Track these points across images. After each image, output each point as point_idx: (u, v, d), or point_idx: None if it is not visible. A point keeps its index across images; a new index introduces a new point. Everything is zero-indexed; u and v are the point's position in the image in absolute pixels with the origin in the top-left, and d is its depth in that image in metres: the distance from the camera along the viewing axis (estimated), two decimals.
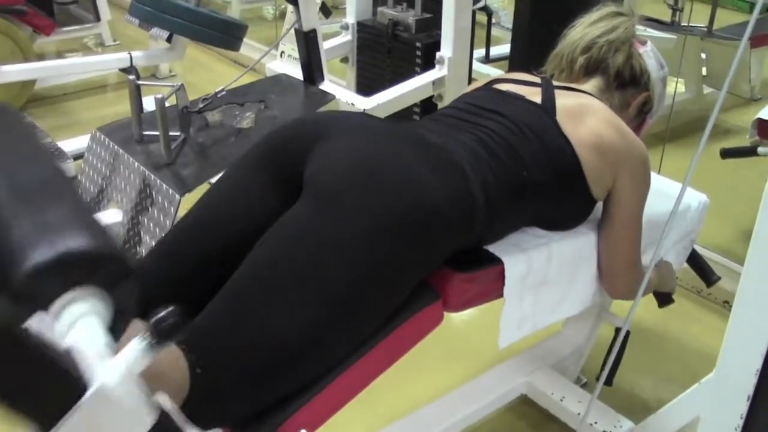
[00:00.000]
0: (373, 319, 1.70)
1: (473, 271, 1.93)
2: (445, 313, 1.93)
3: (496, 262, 1.95)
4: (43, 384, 1.14)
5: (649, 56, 2.29)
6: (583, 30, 2.31)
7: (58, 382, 1.14)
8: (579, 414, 2.48)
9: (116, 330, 1.22)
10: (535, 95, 2.12)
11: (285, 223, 1.67)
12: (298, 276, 1.59)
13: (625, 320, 2.04)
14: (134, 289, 1.26)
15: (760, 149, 3.46)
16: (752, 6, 1.66)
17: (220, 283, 1.64)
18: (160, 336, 1.17)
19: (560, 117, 2.04)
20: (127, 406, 1.18)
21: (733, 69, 1.70)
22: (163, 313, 1.16)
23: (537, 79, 2.22)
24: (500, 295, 1.97)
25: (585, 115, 2.05)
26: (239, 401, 1.56)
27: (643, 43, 2.30)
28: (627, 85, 2.28)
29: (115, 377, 1.15)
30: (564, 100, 2.09)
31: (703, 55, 5.22)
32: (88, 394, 1.13)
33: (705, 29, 5.12)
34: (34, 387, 1.14)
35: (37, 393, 1.15)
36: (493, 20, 5.87)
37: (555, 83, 2.19)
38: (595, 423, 2.46)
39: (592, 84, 2.27)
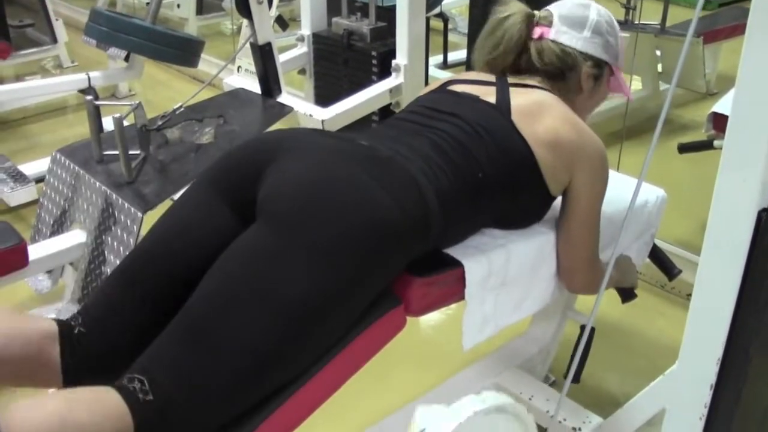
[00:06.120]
0: (329, 336, 1.72)
1: (434, 274, 1.94)
2: (413, 319, 1.94)
3: (456, 265, 1.96)
4: None
5: (561, 33, 2.19)
6: (484, 42, 2.25)
7: None
8: (548, 412, 2.49)
9: None
10: (489, 95, 2.11)
11: (237, 249, 1.69)
12: (250, 299, 1.60)
13: (590, 317, 2.06)
14: None
15: (716, 142, 3.50)
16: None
17: (179, 308, 1.65)
18: None
19: (515, 116, 2.04)
20: None
21: (680, 66, 1.72)
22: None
23: (491, 78, 2.20)
24: (461, 297, 1.98)
25: (542, 114, 2.05)
26: (197, 422, 1.57)
27: (549, 24, 2.20)
28: (564, 73, 2.22)
29: None
30: (519, 99, 2.08)
31: (658, 52, 5.26)
32: None
33: (658, 26, 5.18)
34: None
35: None
36: (450, 26, 5.89)
37: (509, 81, 2.18)
38: (564, 420, 2.48)
39: (540, 80, 2.21)
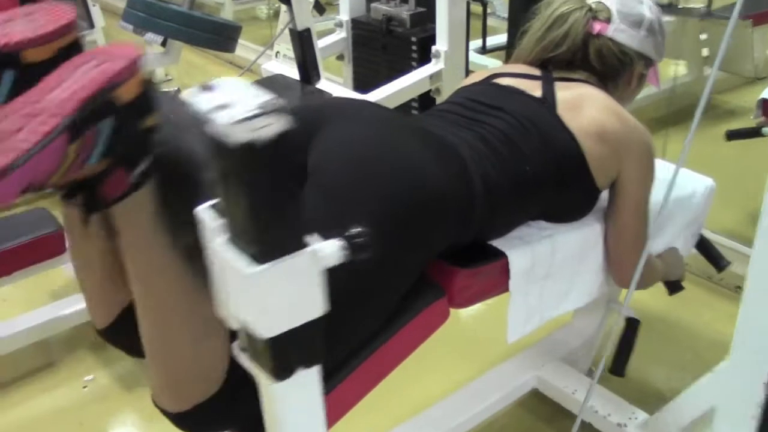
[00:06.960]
0: (378, 310, 1.70)
1: (477, 266, 1.92)
2: (453, 310, 1.92)
3: (500, 256, 1.94)
4: None
5: (620, 31, 2.15)
6: (541, 37, 2.21)
7: None
8: (592, 406, 2.45)
9: None
10: (535, 89, 2.09)
11: None
12: None
13: (622, 307, 2.01)
14: None
15: (765, 129, 3.42)
16: None
17: None
18: (353, 250, 1.25)
19: (561, 110, 2.02)
20: None
21: (722, 49, 1.65)
22: (355, 231, 1.26)
23: (537, 72, 2.17)
24: (505, 289, 1.96)
25: (585, 106, 2.02)
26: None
27: (607, 19, 2.15)
28: (618, 73, 2.20)
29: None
30: (564, 93, 2.06)
31: (704, 36, 5.18)
32: None
33: (704, 10, 5.09)
34: None
35: None
36: (489, 10, 5.85)
37: (554, 75, 2.15)
38: (609, 415, 2.43)
39: (588, 75, 2.19)
